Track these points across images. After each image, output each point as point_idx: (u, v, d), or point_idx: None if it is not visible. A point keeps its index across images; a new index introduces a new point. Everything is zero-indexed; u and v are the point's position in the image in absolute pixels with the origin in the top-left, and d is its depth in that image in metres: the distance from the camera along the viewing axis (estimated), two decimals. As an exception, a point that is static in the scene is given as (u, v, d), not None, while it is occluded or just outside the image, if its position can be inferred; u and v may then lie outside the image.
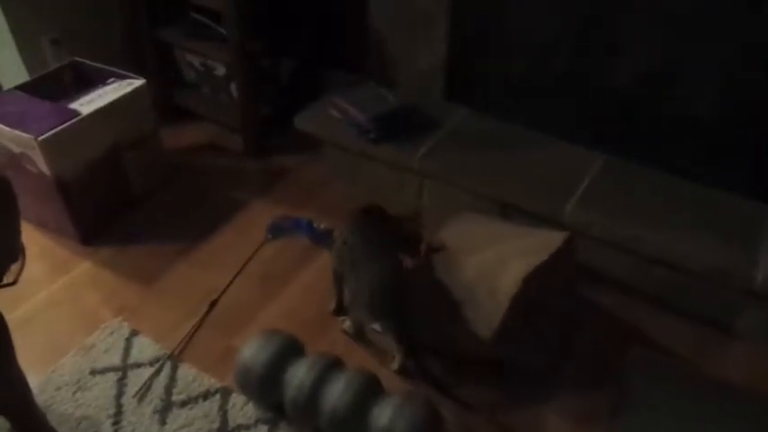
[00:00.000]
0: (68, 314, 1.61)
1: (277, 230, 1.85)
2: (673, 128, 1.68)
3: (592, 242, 1.58)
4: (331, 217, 1.85)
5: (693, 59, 1.58)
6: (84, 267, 1.74)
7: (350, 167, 1.97)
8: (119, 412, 1.36)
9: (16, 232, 0.89)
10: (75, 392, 1.40)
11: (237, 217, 1.92)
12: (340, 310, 1.56)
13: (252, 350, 1.33)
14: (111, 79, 1.85)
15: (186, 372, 1.45)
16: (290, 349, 1.34)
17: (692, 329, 1.55)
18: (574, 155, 1.76)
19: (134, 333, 1.53)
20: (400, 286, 1.38)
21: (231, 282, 1.69)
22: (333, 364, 1.31)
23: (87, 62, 1.90)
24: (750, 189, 1.59)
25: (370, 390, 1.27)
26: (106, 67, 1.88)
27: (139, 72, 1.88)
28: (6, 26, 1.90)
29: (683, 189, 1.64)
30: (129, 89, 1.81)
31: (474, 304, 1.38)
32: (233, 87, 2.15)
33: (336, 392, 1.25)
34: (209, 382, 1.43)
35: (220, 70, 2.16)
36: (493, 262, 1.43)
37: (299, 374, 1.29)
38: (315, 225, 1.85)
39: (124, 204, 1.90)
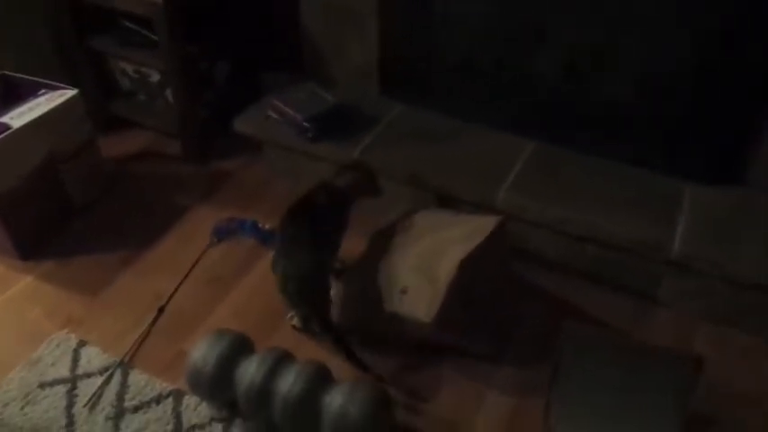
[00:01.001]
0: (11, 331, 1.59)
1: (222, 233, 1.87)
2: (595, 114, 1.78)
3: (526, 226, 1.66)
4: (275, 217, 1.87)
5: (611, 49, 1.68)
6: (24, 282, 1.72)
7: (291, 167, 2.00)
8: (70, 422, 1.36)
9: None
10: (23, 407, 1.39)
11: (181, 222, 1.93)
12: None
13: (201, 351, 1.35)
14: (43, 91, 1.83)
15: (137, 378, 1.46)
16: (240, 347, 1.37)
17: (622, 301, 1.65)
18: (505, 143, 1.84)
19: (81, 344, 1.53)
20: (317, 278, 1.46)
21: (178, 287, 1.70)
22: (282, 358, 1.34)
23: (16, 75, 1.87)
24: (667, 167, 1.70)
25: (320, 379, 1.31)
26: (36, 79, 1.85)
27: (72, 82, 1.87)
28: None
29: (608, 170, 1.74)
30: (61, 100, 1.79)
31: (416, 291, 1.44)
32: (168, 93, 2.15)
33: (287, 384, 1.29)
34: (160, 386, 1.44)
35: (155, 77, 2.16)
36: (432, 250, 1.49)
37: (249, 370, 1.32)
38: (260, 225, 1.87)
39: (64, 216, 1.88)
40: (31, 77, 1.86)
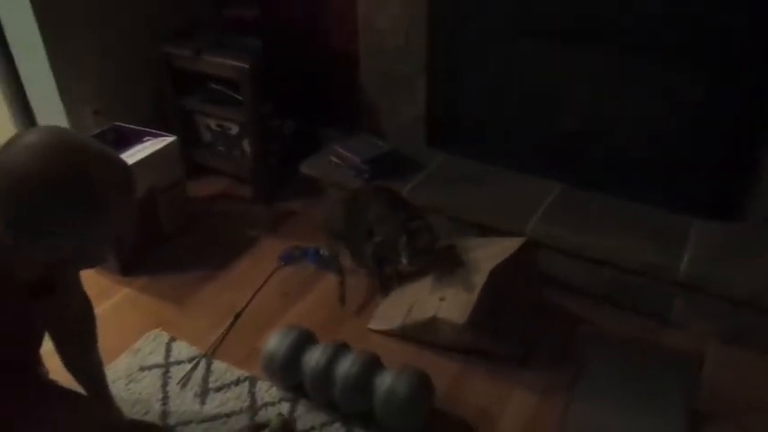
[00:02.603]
0: (115, 329, 1.89)
1: (287, 258, 2.18)
2: (612, 161, 2.06)
3: (550, 252, 1.92)
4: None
5: (624, 109, 1.99)
6: (124, 293, 2.05)
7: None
8: (165, 397, 1.64)
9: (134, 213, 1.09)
10: (127, 384, 1.68)
11: (252, 250, 2.25)
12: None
13: (275, 340, 1.63)
14: (147, 138, 2.22)
15: (219, 366, 1.74)
16: (306, 338, 1.65)
17: (636, 321, 1.87)
18: (535, 185, 2.13)
19: (172, 339, 1.83)
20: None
21: (252, 298, 2.00)
22: (341, 347, 1.61)
23: (126, 125, 2.27)
24: (675, 205, 1.96)
25: (372, 364, 1.57)
26: (142, 128, 2.25)
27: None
28: (59, 98, 2.28)
29: (624, 208, 2.00)
30: (162, 144, 2.17)
31: (452, 298, 1.71)
32: (245, 144, 2.53)
33: (345, 368, 1.55)
34: (238, 372, 1.71)
35: (234, 130, 2.54)
36: (467, 266, 1.77)
37: (314, 356, 1.59)
38: (321, 252, 2.18)
39: (156, 242, 2.22)
40: (137, 127, 2.26)
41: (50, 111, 2.33)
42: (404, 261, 1.83)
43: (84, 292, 1.40)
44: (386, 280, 1.96)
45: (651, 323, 1.85)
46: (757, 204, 1.86)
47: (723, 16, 1.72)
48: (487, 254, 1.78)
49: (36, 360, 1.20)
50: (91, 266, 1.16)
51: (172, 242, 2.26)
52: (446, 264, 1.83)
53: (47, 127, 1.02)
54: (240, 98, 2.39)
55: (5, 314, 1.01)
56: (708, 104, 1.84)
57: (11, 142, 0.96)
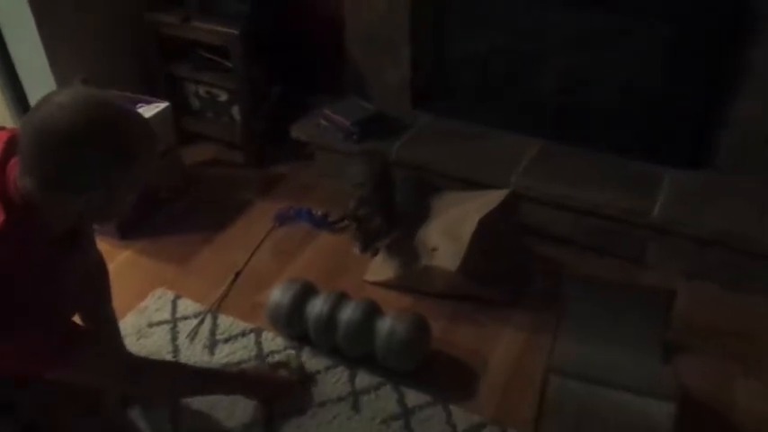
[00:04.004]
0: (119, 289, 1.92)
1: (282, 218, 2.26)
2: (589, 115, 2.17)
3: (533, 204, 2.03)
4: (325, 207, 2.28)
5: (595, 67, 2.10)
6: (125, 255, 2.12)
7: (337, 167, 2.40)
8: (176, 349, 1.74)
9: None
10: (138, 339, 1.77)
11: (246, 212, 2.33)
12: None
13: (280, 291, 1.73)
14: (140, 104, 2.26)
15: (225, 320, 1.83)
16: (309, 289, 1.74)
17: (615, 265, 2.00)
18: (517, 141, 2.23)
19: (177, 297, 1.91)
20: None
21: (250, 257, 2.09)
22: (343, 295, 1.71)
23: (117, 92, 2.31)
24: (649, 155, 2.08)
25: (373, 310, 1.67)
26: (134, 95, 2.29)
27: (153, 101, 2.30)
28: (48, 66, 2.31)
29: (601, 160, 2.11)
30: (156, 110, 2.22)
31: (444, 248, 1.81)
32: (234, 110, 2.58)
33: (347, 315, 1.65)
34: (244, 325, 1.81)
35: (223, 96, 2.59)
36: (456, 217, 1.88)
37: (317, 305, 1.69)
38: (313, 212, 2.26)
39: (152, 206, 2.28)
40: (130, 94, 2.30)
41: (39, 79, 2.35)
42: (355, 251, 1.94)
43: (98, 248, 1.47)
44: (368, 237, 1.98)
45: (628, 266, 1.99)
46: (725, 153, 1.99)
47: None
48: (475, 205, 1.88)
49: (68, 316, 1.27)
50: (115, 219, 1.23)
51: (167, 207, 2.32)
52: (434, 216, 1.93)
53: (74, 87, 1.08)
54: (229, 64, 2.44)
55: (37, 262, 1.08)
56: (677, 59, 1.95)
57: (42, 102, 1.03)
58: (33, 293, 1.05)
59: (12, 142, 1.08)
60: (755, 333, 1.78)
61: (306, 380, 1.64)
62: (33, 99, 2.42)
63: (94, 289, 1.47)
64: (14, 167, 1.06)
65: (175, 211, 2.31)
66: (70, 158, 1.00)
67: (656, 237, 1.92)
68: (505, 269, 1.91)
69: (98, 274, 1.49)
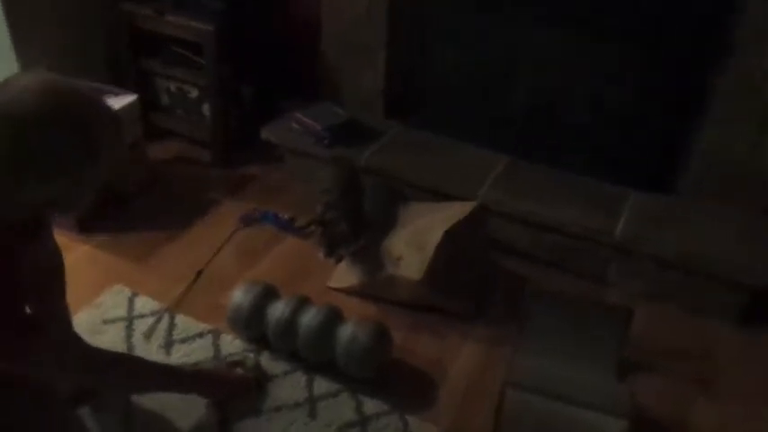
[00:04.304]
0: (75, 284, 1.86)
1: (248, 220, 2.23)
2: (557, 134, 2.20)
3: (498, 218, 2.05)
4: (292, 210, 2.26)
5: (566, 89, 2.13)
6: (83, 250, 2.06)
7: (307, 171, 2.38)
8: (130, 348, 1.69)
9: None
10: (91, 336, 1.70)
11: (212, 212, 2.29)
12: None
13: (241, 293, 1.70)
14: (108, 96, 2.21)
15: (183, 319, 1.79)
16: (270, 291, 1.72)
17: (577, 283, 2.03)
18: (485, 156, 2.25)
19: (135, 294, 1.87)
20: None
21: (213, 257, 2.05)
22: (304, 300, 1.69)
23: (84, 83, 2.26)
24: (613, 177, 2.12)
25: (335, 316, 1.66)
26: (102, 86, 2.24)
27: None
28: (13, 53, 2.24)
29: (567, 179, 2.15)
30: (123, 103, 2.18)
31: (409, 258, 1.81)
32: (204, 108, 2.55)
33: (308, 319, 1.63)
34: (202, 326, 1.78)
35: (193, 93, 2.55)
36: (421, 227, 1.88)
37: (278, 308, 1.67)
38: (279, 216, 2.24)
39: (115, 201, 2.23)
40: (97, 84, 2.25)
41: (3, 67, 2.28)
42: (320, 256, 1.91)
43: (56, 241, 1.43)
44: (332, 242, 1.94)
45: (590, 284, 2.01)
46: (687, 179, 2.04)
47: (660, 6, 1.87)
48: (441, 216, 1.89)
49: (22, 307, 1.23)
50: (75, 211, 1.20)
51: (131, 202, 2.27)
52: (400, 225, 1.93)
53: (38, 71, 1.05)
54: (201, 61, 2.41)
55: (3, 252, 1.04)
56: (646, 83, 2.00)
57: (4, 84, 0.99)
58: None
59: None
60: (712, 354, 1.82)
61: (262, 379, 1.61)
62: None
63: (50, 282, 1.42)
64: None
65: (138, 207, 2.27)
66: (31, 143, 0.97)
67: (617, 256, 1.95)
68: (469, 281, 1.92)
69: (53, 268, 1.44)
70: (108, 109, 1.08)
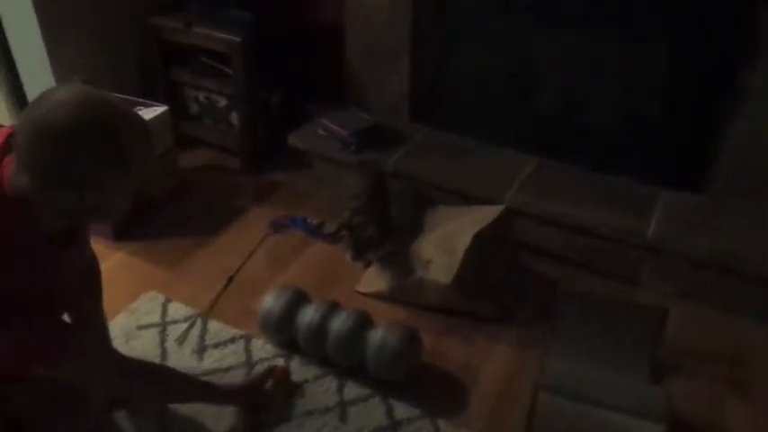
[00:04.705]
0: (110, 291, 1.90)
1: (277, 226, 2.26)
2: (586, 135, 2.18)
3: (528, 220, 2.04)
4: (321, 216, 2.28)
5: (597, 85, 2.11)
6: (118, 257, 2.11)
7: (334, 176, 2.40)
8: (164, 353, 1.72)
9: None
10: (126, 341, 1.75)
11: (241, 219, 2.32)
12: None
13: (272, 298, 1.72)
14: (138, 108, 2.26)
15: (215, 325, 1.82)
16: (301, 296, 1.74)
17: (609, 284, 2.00)
18: (514, 158, 2.24)
19: (168, 300, 1.90)
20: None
21: (244, 263, 2.08)
22: (334, 305, 1.70)
23: (117, 95, 2.31)
24: (643, 177, 2.09)
25: (365, 321, 1.67)
26: (134, 98, 2.29)
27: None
28: (49, 67, 2.31)
29: (597, 180, 2.12)
30: (154, 114, 2.22)
31: (438, 261, 1.81)
32: (233, 117, 2.58)
33: (338, 324, 1.64)
34: (234, 331, 1.80)
35: (222, 102, 2.59)
36: (450, 231, 1.88)
37: (308, 313, 1.68)
38: (308, 221, 2.26)
39: (148, 209, 2.27)
40: (129, 97, 2.30)
41: (40, 80, 2.35)
42: (348, 258, 1.94)
43: (92, 248, 1.47)
44: (361, 246, 1.98)
45: (622, 285, 1.99)
46: (719, 177, 2.00)
47: (688, 3, 1.84)
48: (470, 220, 1.88)
49: (60, 313, 1.26)
50: (109, 220, 1.23)
51: (162, 210, 2.31)
52: (429, 229, 1.94)
53: (72, 85, 1.08)
54: (229, 71, 2.44)
55: (31, 259, 1.07)
56: (676, 82, 1.97)
57: (40, 98, 1.02)
58: (24, 289, 1.04)
59: (9, 140, 1.07)
60: (747, 356, 1.78)
61: (294, 390, 1.62)
62: (32, 97, 2.42)
63: (86, 289, 1.46)
64: (9, 164, 1.05)
65: (170, 215, 2.31)
66: (66, 154, 1.00)
67: (649, 257, 1.93)
68: (499, 285, 1.91)
69: (90, 274, 1.48)
70: (139, 120, 1.11)
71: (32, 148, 1.00)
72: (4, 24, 2.29)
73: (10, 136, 1.08)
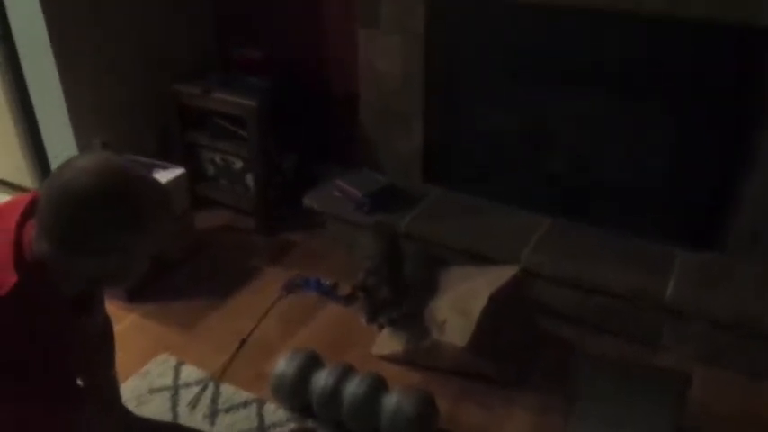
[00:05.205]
0: (122, 353, 1.90)
1: (291, 287, 2.25)
2: (599, 194, 2.19)
3: (543, 280, 2.02)
4: (334, 277, 2.28)
5: (608, 144, 2.13)
6: (131, 318, 2.11)
7: (348, 237, 2.41)
8: (175, 417, 1.70)
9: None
10: (137, 405, 1.73)
11: (255, 279, 2.32)
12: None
13: (285, 361, 1.70)
14: (157, 169, 2.31)
15: (227, 388, 1.80)
16: (314, 360, 1.72)
17: (627, 346, 1.96)
18: (527, 218, 2.24)
19: (180, 362, 1.89)
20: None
21: (257, 324, 2.07)
22: (348, 368, 1.68)
23: (135, 157, 2.36)
24: (658, 235, 2.08)
25: (379, 385, 1.64)
26: (152, 161, 2.34)
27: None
28: (71, 130, 2.38)
29: (610, 238, 2.11)
30: (171, 176, 2.26)
31: (453, 322, 1.79)
32: (248, 178, 2.63)
33: (352, 388, 1.62)
34: (246, 395, 1.77)
35: (237, 164, 2.64)
36: (465, 292, 1.86)
37: (322, 377, 1.66)
38: (322, 282, 2.26)
39: (162, 269, 2.29)
40: (147, 159, 2.35)
41: (61, 142, 2.42)
42: (362, 321, 1.94)
43: (107, 311, 1.47)
44: (375, 308, 1.97)
45: (642, 348, 1.95)
46: (736, 235, 1.98)
47: (697, 62, 1.87)
48: (485, 281, 1.87)
49: (74, 378, 1.25)
50: (127, 283, 1.24)
51: (177, 270, 2.33)
52: (442, 290, 1.92)
53: (96, 152, 1.11)
54: (245, 134, 2.50)
55: (49, 324, 1.08)
56: (687, 142, 1.98)
57: (64, 166, 1.05)
58: (39, 355, 1.04)
59: (32, 205, 1.10)
60: (772, 422, 1.72)
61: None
62: (54, 158, 2.49)
63: (100, 352, 1.45)
64: (30, 230, 1.07)
65: (185, 275, 2.32)
66: (87, 221, 1.02)
67: (669, 318, 1.89)
68: (515, 347, 1.88)
69: (104, 337, 1.47)
70: (159, 186, 1.13)
71: (54, 214, 1.02)
72: (29, 87, 2.37)
73: (33, 201, 1.10)
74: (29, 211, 1.09)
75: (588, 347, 1.96)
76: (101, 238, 1.04)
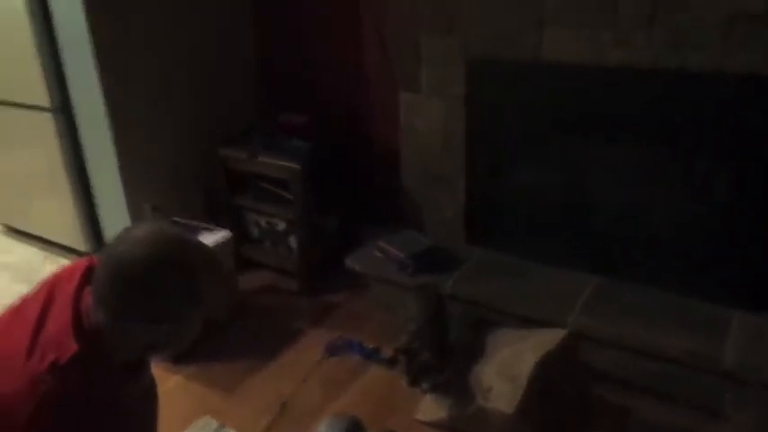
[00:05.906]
0: (164, 415, 1.91)
1: (333, 349, 2.23)
2: (647, 252, 2.13)
3: (593, 344, 1.95)
4: (377, 339, 2.25)
5: (654, 200, 2.09)
6: (175, 380, 2.11)
7: (391, 299, 2.39)
8: (215, 484, 1.67)
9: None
10: (179, 470, 1.71)
11: (297, 341, 2.31)
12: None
13: (325, 427, 1.68)
14: (204, 232, 2.36)
15: (268, 454, 1.76)
16: (355, 425, 1.69)
17: (684, 414, 1.85)
18: (573, 278, 2.19)
19: (221, 426, 1.87)
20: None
21: (298, 388, 2.04)
22: (391, 434, 1.64)
23: (183, 221, 2.43)
24: (712, 295, 1.99)
25: (423, 452, 1.59)
26: (199, 223, 2.40)
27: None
28: (123, 196, 2.47)
29: (660, 299, 2.04)
30: (217, 237, 2.31)
31: (499, 389, 1.74)
32: (291, 240, 2.66)
33: (396, 456, 1.57)
34: (287, 460, 1.74)
35: (281, 226, 2.68)
36: (511, 357, 1.81)
37: (365, 444, 1.61)
38: (364, 345, 2.23)
39: (206, 332, 2.29)
40: (194, 222, 2.41)
41: (114, 207, 2.51)
42: (404, 383, 1.92)
43: (152, 374, 1.47)
44: (417, 372, 1.97)
45: (701, 416, 1.84)
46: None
47: (745, 114, 1.84)
48: (531, 345, 1.82)
49: None
50: (179, 349, 1.25)
51: (220, 334, 2.34)
52: (488, 355, 1.87)
53: (149, 222, 1.15)
54: (289, 196, 2.54)
55: (106, 393, 1.09)
56: (738, 198, 1.92)
57: (119, 237, 1.09)
58: (95, 423, 1.05)
59: (89, 271, 1.13)
60: None
61: None
62: (106, 222, 2.57)
63: (145, 414, 1.45)
64: (88, 297, 1.10)
65: (229, 337, 2.33)
66: (142, 291, 1.04)
67: (729, 384, 1.79)
68: (565, 414, 1.80)
69: (149, 399, 1.47)
70: (210, 253, 1.15)
71: (110, 285, 1.05)
72: (84, 154, 2.48)
73: (90, 268, 1.13)
74: (86, 278, 1.13)
75: (645, 416, 1.86)
76: (155, 308, 1.06)
